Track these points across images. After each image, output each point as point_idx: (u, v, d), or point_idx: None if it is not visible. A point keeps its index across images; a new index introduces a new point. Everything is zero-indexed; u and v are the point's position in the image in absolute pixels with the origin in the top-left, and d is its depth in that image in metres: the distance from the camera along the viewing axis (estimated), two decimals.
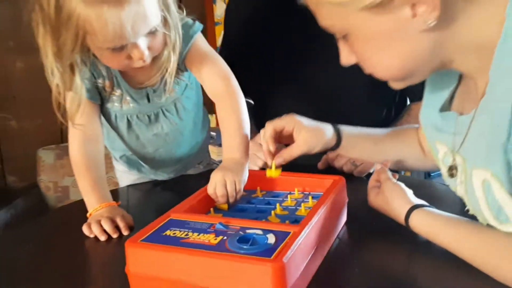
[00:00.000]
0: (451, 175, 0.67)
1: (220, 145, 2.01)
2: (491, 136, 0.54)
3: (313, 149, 0.84)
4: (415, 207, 0.69)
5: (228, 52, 1.21)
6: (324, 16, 0.61)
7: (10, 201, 2.33)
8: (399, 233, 0.72)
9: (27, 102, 2.40)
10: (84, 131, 0.93)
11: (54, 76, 0.87)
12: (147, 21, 0.80)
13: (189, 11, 0.96)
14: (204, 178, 0.83)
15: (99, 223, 0.82)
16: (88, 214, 0.87)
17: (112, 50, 0.80)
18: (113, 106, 0.97)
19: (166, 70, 0.91)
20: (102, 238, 0.80)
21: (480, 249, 0.60)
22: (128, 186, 1.11)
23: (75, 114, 0.90)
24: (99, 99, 0.96)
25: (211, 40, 2.49)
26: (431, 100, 0.72)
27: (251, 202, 0.80)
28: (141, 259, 0.59)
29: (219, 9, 2.44)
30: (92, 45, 0.81)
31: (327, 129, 0.86)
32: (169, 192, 1.04)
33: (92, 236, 0.82)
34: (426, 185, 1.01)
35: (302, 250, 0.58)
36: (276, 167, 0.81)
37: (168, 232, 0.62)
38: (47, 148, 2.51)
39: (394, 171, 0.82)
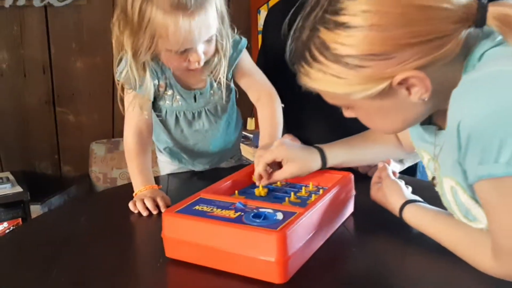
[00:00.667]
0: (434, 185, 0.78)
1: (256, 146, 2.15)
2: (452, 152, 0.64)
3: (298, 176, 0.93)
4: (408, 202, 0.80)
5: (264, 59, 1.35)
6: (329, 97, 0.71)
7: (64, 188, 2.55)
8: (399, 225, 0.81)
9: (84, 99, 2.62)
10: (138, 123, 1.09)
11: (122, 74, 1.03)
12: (209, 30, 0.96)
13: (237, 21, 1.11)
14: (234, 170, 0.97)
15: (142, 201, 0.97)
16: (134, 194, 1.03)
17: (176, 53, 0.96)
18: (165, 103, 1.14)
19: (214, 76, 1.08)
20: (144, 213, 0.96)
21: (460, 241, 0.70)
22: (168, 174, 1.27)
23: (145, 105, 1.07)
24: (153, 97, 1.11)
25: (255, 46, 2.64)
26: None
27: (271, 189, 0.93)
28: (174, 226, 0.73)
29: (263, 19, 2.59)
30: (161, 48, 0.96)
31: (314, 159, 0.93)
32: (204, 181, 1.19)
33: (136, 211, 0.97)
34: (424, 184, 1.11)
35: (304, 228, 0.71)
36: (264, 187, 0.92)
37: (197, 207, 0.76)
38: (99, 142, 2.72)
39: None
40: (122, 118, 2.96)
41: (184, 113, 1.16)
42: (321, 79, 0.67)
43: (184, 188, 1.18)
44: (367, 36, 0.61)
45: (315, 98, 1.21)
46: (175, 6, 0.88)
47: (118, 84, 1.08)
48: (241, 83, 1.16)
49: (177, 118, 1.17)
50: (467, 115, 0.58)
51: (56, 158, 2.76)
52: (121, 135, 2.92)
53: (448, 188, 0.71)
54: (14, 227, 2.30)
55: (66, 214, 1.05)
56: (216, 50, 1.05)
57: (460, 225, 0.71)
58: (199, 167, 1.29)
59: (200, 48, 0.98)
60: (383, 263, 0.75)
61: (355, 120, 0.77)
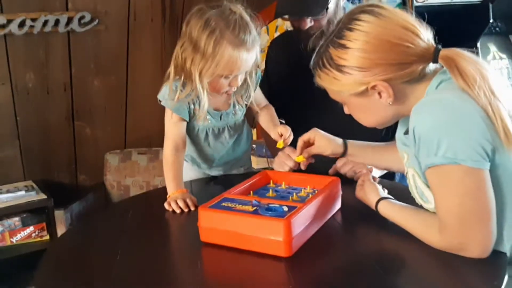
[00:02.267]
0: (407, 178, 1.05)
1: (259, 155, 2.44)
2: (412, 149, 0.92)
3: (325, 151, 1.30)
4: (382, 198, 1.06)
5: (268, 86, 1.63)
6: (330, 92, 1.04)
7: (80, 196, 2.78)
8: (376, 217, 1.07)
9: (100, 114, 2.85)
10: (176, 140, 1.37)
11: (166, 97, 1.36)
12: (252, 63, 1.30)
13: None
14: (244, 177, 1.24)
15: (175, 201, 1.23)
16: (168, 196, 1.29)
17: (225, 77, 1.28)
18: (198, 122, 1.42)
19: (239, 100, 1.44)
20: (178, 211, 1.22)
21: (415, 224, 0.96)
22: (191, 181, 1.53)
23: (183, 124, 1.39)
24: (188, 118, 1.40)
25: None
26: (400, 128, 1.10)
27: (278, 191, 1.19)
28: (207, 217, 0.99)
29: (263, 39, 2.85)
30: (217, 73, 1.26)
31: (338, 141, 1.32)
32: (219, 186, 1.45)
33: (170, 210, 1.23)
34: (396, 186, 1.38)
35: (303, 217, 0.97)
36: (272, 191, 1.19)
37: (223, 204, 1.03)
38: (113, 153, 2.95)
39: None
40: (133, 130, 3.24)
41: (212, 129, 1.45)
42: (326, 79, 1.00)
43: (204, 191, 1.44)
44: (356, 56, 0.94)
45: (312, 118, 1.48)
46: (240, 43, 1.22)
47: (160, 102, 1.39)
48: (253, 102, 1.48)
49: (206, 134, 1.45)
50: (419, 124, 0.89)
51: (73, 168, 2.99)
52: (132, 146, 3.17)
53: (411, 176, 1.00)
54: (39, 231, 2.54)
55: (116, 212, 1.31)
56: (245, 80, 1.38)
57: (417, 213, 0.98)
58: (215, 172, 1.57)
59: (240, 76, 1.31)
60: (363, 244, 1.02)
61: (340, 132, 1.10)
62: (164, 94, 1.36)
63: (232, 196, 1.07)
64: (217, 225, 0.98)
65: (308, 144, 1.33)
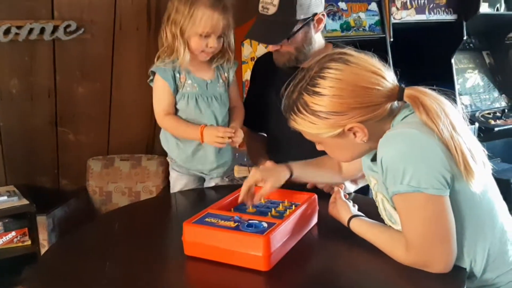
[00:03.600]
0: (376, 201, 1.13)
1: (241, 164, 2.51)
2: (380, 176, 1.00)
3: (276, 185, 1.27)
4: (354, 216, 1.14)
5: (252, 96, 1.75)
6: (307, 135, 1.09)
7: (62, 201, 2.79)
8: (348, 233, 1.14)
9: (83, 120, 2.87)
10: (165, 108, 1.59)
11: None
12: (223, 28, 1.52)
13: None
14: (227, 190, 1.30)
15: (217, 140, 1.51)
16: (201, 141, 1.53)
17: (201, 37, 1.51)
18: (187, 90, 1.60)
19: (220, 71, 1.65)
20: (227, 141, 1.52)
21: (384, 241, 1.04)
22: (178, 192, 1.58)
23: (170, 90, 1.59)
24: (176, 91, 1.59)
25: (238, 74, 2.97)
26: (367, 155, 1.17)
27: (258, 206, 1.26)
28: (191, 232, 1.06)
29: (246, 50, 2.91)
30: (193, 32, 1.51)
31: (284, 170, 1.30)
32: (205, 197, 1.52)
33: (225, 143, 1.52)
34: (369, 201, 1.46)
35: (282, 233, 1.04)
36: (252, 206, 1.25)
37: (207, 219, 1.09)
38: (96, 158, 2.98)
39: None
40: (116, 136, 3.26)
41: (201, 96, 1.61)
42: (303, 124, 1.06)
43: (191, 202, 1.50)
44: (331, 102, 1.00)
45: (291, 137, 1.53)
46: (212, 5, 1.49)
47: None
48: (231, 86, 1.70)
49: (196, 100, 1.60)
50: (385, 155, 0.97)
51: (56, 173, 3.01)
52: (115, 152, 3.20)
53: (380, 200, 1.08)
54: (20, 236, 2.56)
55: (103, 224, 1.36)
56: (224, 50, 1.61)
57: (386, 231, 1.06)
58: (204, 172, 1.67)
59: (216, 39, 1.52)
60: (336, 258, 1.10)
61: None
62: (153, 68, 1.59)
63: (215, 212, 1.14)
64: (201, 239, 1.04)
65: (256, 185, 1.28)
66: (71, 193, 2.99)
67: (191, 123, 1.58)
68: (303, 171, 1.35)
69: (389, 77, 1.02)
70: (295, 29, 1.43)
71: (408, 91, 1.01)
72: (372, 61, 1.03)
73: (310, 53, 1.52)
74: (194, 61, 1.59)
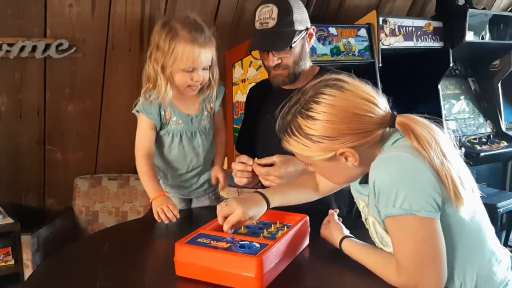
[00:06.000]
0: (366, 223, 1.14)
1: (229, 185, 2.50)
2: (372, 199, 1.01)
3: (258, 217, 1.23)
4: (345, 237, 1.15)
5: (248, 125, 1.78)
6: (299, 157, 1.10)
7: (48, 221, 2.75)
8: (340, 254, 1.15)
9: (72, 138, 2.86)
10: (147, 147, 1.56)
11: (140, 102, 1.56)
12: (208, 61, 1.50)
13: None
14: (214, 209, 1.30)
15: (162, 211, 1.41)
16: (150, 201, 1.44)
17: (184, 71, 1.47)
18: (171, 127, 1.59)
19: (206, 103, 1.62)
20: (166, 221, 1.41)
21: (376, 263, 1.05)
22: None
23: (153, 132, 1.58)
24: (160, 127, 1.57)
25: (229, 95, 2.99)
26: None
27: (249, 227, 1.26)
28: (183, 252, 1.05)
29: (237, 72, 2.95)
30: (177, 68, 1.47)
31: (261, 207, 1.22)
32: (193, 218, 1.51)
33: (160, 221, 1.41)
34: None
35: (274, 255, 1.04)
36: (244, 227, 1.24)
37: (199, 239, 1.08)
38: (83, 177, 2.95)
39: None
40: (104, 156, 3.24)
41: (185, 132, 1.60)
42: (296, 146, 1.07)
43: (179, 222, 1.48)
44: (324, 126, 1.01)
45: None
46: (193, 39, 1.45)
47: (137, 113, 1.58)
48: (216, 117, 1.70)
49: (180, 137, 1.60)
50: (378, 178, 0.98)
51: (42, 192, 2.97)
52: (103, 171, 3.17)
53: (371, 223, 1.08)
54: (3, 256, 2.51)
55: (92, 244, 1.34)
56: (209, 83, 1.57)
57: (377, 252, 1.07)
58: (186, 192, 1.69)
59: (201, 72, 1.49)
60: (328, 279, 1.09)
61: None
62: (138, 105, 1.57)
63: (207, 232, 1.13)
64: (193, 260, 1.04)
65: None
66: (57, 212, 2.96)
67: (155, 180, 1.52)
68: (281, 198, 1.30)
69: (381, 105, 1.04)
70: (296, 38, 1.51)
71: (400, 118, 1.03)
72: (366, 88, 1.05)
73: (304, 69, 1.58)
74: (179, 96, 1.57)
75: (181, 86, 1.51)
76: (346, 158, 1.04)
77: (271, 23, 1.49)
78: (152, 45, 1.50)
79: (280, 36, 1.50)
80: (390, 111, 1.05)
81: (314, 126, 1.02)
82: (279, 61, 1.54)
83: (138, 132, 1.58)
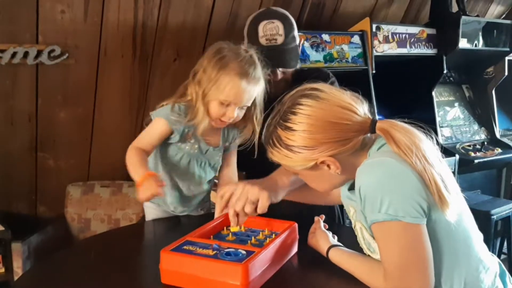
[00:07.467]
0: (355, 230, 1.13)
1: None
2: (358, 205, 0.99)
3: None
4: (332, 246, 1.14)
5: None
6: (285, 166, 1.11)
7: (39, 228, 2.72)
8: (327, 262, 1.14)
9: (64, 145, 2.83)
10: (146, 145, 1.45)
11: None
12: (249, 100, 1.41)
13: None
14: (204, 219, 1.29)
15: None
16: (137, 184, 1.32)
17: (221, 103, 1.38)
18: (185, 149, 1.51)
19: (228, 140, 1.57)
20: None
21: (363, 271, 1.04)
22: (153, 220, 1.55)
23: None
24: (179, 138, 1.48)
25: None
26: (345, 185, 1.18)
27: (237, 234, 1.24)
28: (169, 260, 1.03)
29: None
30: (215, 96, 1.38)
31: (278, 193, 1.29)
32: (181, 226, 1.49)
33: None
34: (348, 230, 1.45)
35: (260, 262, 1.02)
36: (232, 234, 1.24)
37: (185, 247, 1.07)
38: (75, 184, 2.92)
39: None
40: (97, 163, 3.19)
41: (197, 159, 1.53)
42: (278, 156, 1.08)
43: (167, 232, 1.48)
44: (302, 137, 1.02)
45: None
46: (243, 73, 1.35)
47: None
48: (228, 154, 1.62)
49: (189, 161, 1.52)
50: (363, 184, 0.97)
51: (33, 199, 2.94)
52: (95, 178, 3.14)
53: (359, 229, 1.07)
54: None
55: (79, 251, 1.32)
56: (245, 120, 1.48)
57: (364, 260, 1.06)
58: (179, 208, 1.60)
59: (237, 110, 1.40)
60: (316, 285, 1.08)
61: None
62: (162, 110, 1.46)
63: (193, 239, 1.11)
64: (178, 268, 1.02)
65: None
66: (49, 220, 2.92)
67: (145, 165, 1.41)
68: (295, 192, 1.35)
69: (360, 111, 1.04)
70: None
71: (380, 124, 1.02)
72: (342, 96, 1.05)
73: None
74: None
75: (212, 115, 1.43)
76: (328, 166, 1.05)
77: (280, 40, 1.52)
78: (199, 66, 1.43)
79: (291, 52, 1.54)
80: (370, 117, 1.04)
81: (292, 137, 1.03)
82: (283, 75, 1.59)
83: (147, 130, 1.49)
